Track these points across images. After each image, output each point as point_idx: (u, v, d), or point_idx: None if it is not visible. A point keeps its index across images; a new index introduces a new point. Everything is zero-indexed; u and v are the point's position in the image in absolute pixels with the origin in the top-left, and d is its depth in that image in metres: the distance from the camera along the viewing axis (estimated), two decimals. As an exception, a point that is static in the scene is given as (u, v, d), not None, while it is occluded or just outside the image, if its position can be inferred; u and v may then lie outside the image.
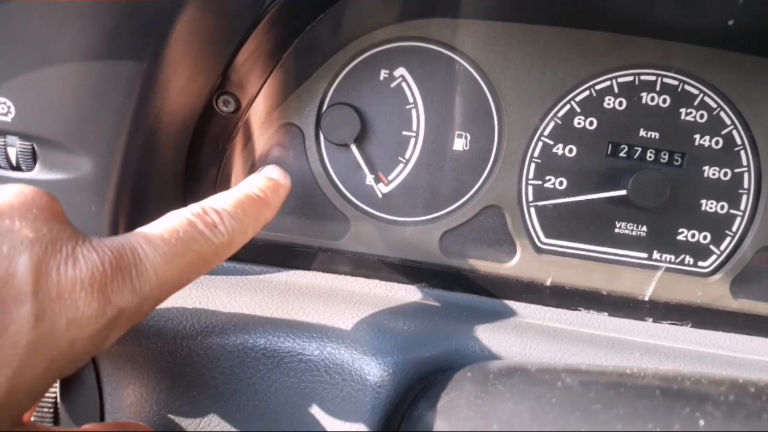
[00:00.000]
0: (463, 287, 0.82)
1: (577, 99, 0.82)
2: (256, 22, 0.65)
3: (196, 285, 0.74)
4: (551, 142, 0.83)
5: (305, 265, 0.82)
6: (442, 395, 0.58)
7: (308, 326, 0.69)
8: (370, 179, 0.83)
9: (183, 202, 0.77)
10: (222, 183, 0.79)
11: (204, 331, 0.66)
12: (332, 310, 0.73)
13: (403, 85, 0.82)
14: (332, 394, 0.64)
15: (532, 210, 0.84)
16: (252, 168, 0.82)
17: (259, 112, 0.78)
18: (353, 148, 0.81)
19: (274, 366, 0.66)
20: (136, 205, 0.68)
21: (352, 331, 0.69)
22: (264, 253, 0.82)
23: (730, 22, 0.70)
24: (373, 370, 0.64)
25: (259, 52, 0.71)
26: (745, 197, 0.84)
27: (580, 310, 0.82)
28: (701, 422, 0.38)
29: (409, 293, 0.81)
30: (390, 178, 0.83)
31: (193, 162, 0.75)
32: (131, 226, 0.65)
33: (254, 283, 0.78)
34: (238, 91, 0.73)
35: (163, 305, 0.67)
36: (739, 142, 0.83)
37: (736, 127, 0.82)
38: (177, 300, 0.70)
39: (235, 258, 0.73)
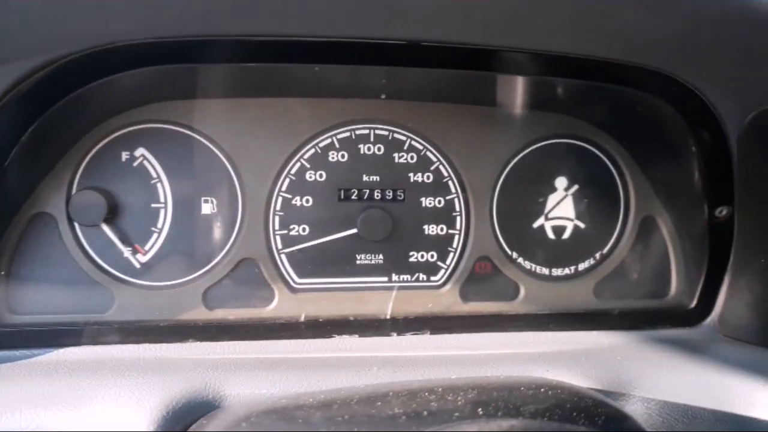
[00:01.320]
0: (229, 336, 0.92)
1: (305, 156, 0.95)
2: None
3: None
4: (289, 196, 0.95)
5: (75, 341, 0.88)
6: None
7: (71, 402, 0.75)
8: (126, 252, 0.91)
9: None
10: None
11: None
12: (97, 382, 0.79)
13: (145, 163, 0.91)
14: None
15: (283, 256, 0.96)
16: (10, 262, 0.87)
17: (5, 211, 0.84)
18: (104, 227, 0.89)
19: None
20: None
21: (121, 397, 0.76)
22: (34, 337, 0.87)
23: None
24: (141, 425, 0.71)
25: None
26: (458, 218, 1.00)
27: (333, 337, 0.94)
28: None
29: (176, 351, 0.89)
30: (146, 248, 0.92)
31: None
32: None
33: (26, 367, 0.83)
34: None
35: None
36: (445, 174, 0.99)
37: (441, 163, 0.99)
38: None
39: (5, 345, 0.79)
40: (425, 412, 0.54)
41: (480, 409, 0.52)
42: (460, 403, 0.56)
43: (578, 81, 0.89)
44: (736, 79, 0.77)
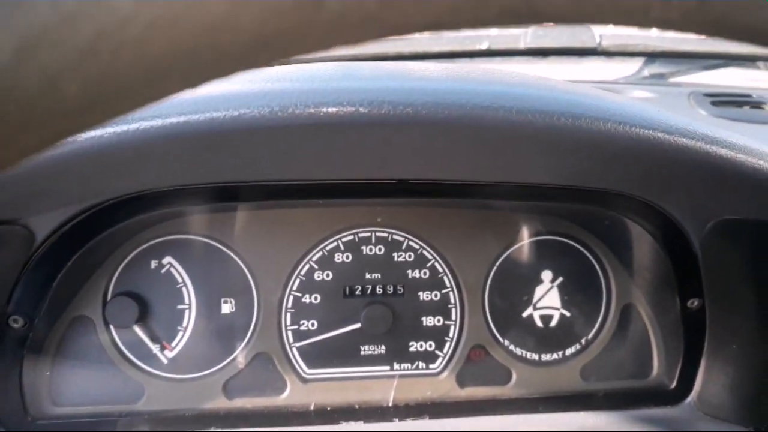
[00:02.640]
0: (246, 423, 1.02)
1: (314, 259, 1.07)
2: (27, 262, 0.84)
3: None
4: (299, 295, 1.06)
5: (111, 430, 0.99)
6: None
7: None
8: (155, 349, 1.02)
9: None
10: (27, 382, 0.95)
11: None
12: None
13: (172, 269, 1.03)
14: None
15: (295, 350, 1.07)
16: (53, 360, 0.99)
17: (50, 317, 0.96)
18: (136, 328, 1.00)
19: None
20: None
21: None
22: (74, 427, 0.99)
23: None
24: None
25: (37, 279, 0.89)
26: (454, 310, 1.11)
27: (340, 423, 1.04)
28: None
29: (199, 439, 1.00)
30: (173, 344, 1.03)
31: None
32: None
33: None
34: (24, 311, 0.91)
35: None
36: (440, 270, 1.10)
37: (436, 260, 1.10)
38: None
39: None
40: None
41: None
42: None
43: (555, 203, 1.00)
44: (693, 199, 0.87)
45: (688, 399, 1.12)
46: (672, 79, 2.08)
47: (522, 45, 1.77)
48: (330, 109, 0.60)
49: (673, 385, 1.12)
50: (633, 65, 2.15)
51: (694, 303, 1.06)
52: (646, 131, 0.67)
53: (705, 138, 0.71)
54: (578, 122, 0.65)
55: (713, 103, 1.68)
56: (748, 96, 1.77)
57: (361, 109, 0.60)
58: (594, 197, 0.97)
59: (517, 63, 1.90)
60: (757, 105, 1.73)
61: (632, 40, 1.78)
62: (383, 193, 0.96)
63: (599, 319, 1.14)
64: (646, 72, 2.11)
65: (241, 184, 0.88)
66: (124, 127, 0.61)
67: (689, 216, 0.94)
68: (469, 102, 0.62)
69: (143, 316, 1.01)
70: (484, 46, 1.71)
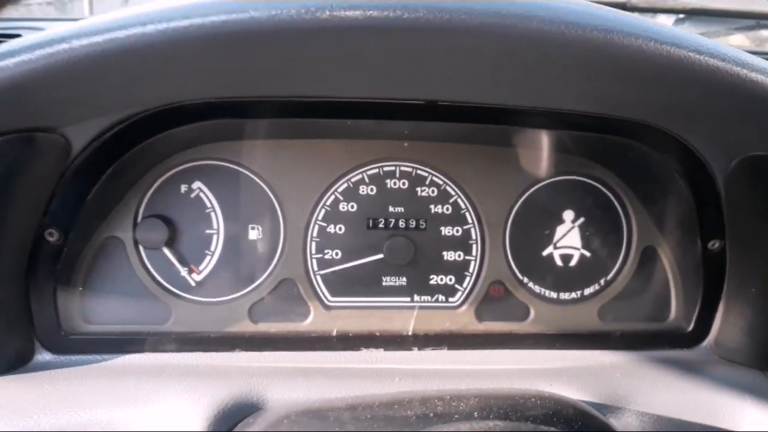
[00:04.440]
0: (271, 347, 1.05)
1: (339, 190, 1.09)
2: (63, 174, 0.87)
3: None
4: (324, 224, 1.09)
5: (138, 349, 1.02)
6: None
7: (135, 400, 0.90)
8: (183, 272, 1.05)
9: (29, 322, 0.97)
10: (61, 298, 0.99)
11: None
12: (158, 384, 0.94)
13: (201, 195, 1.05)
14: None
15: (319, 277, 1.09)
16: (85, 279, 1.03)
17: (83, 234, 0.99)
18: (165, 250, 1.03)
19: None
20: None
21: (178, 398, 0.90)
22: (104, 344, 1.03)
23: (406, 144, 0.99)
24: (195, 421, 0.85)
25: (73, 192, 0.92)
26: (474, 246, 1.12)
27: (361, 350, 1.07)
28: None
29: (225, 359, 1.03)
30: (201, 268, 1.06)
31: (32, 283, 0.95)
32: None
33: (98, 369, 0.99)
34: (60, 224, 0.94)
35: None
36: (463, 206, 1.12)
37: (459, 197, 1.11)
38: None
39: (79, 351, 0.94)
40: (432, 414, 0.66)
41: (476, 413, 0.65)
42: (461, 407, 0.68)
43: (580, 132, 1.00)
44: (720, 131, 0.88)
45: (705, 342, 1.13)
46: (703, 41, 2.04)
47: None
48: (362, 13, 0.61)
49: (690, 328, 1.13)
50: (666, 23, 2.12)
51: (715, 245, 1.06)
52: (678, 50, 0.67)
53: (737, 61, 0.71)
54: (609, 36, 0.65)
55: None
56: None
57: (394, 13, 0.61)
58: (620, 128, 0.97)
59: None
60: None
61: (663, -5, 1.75)
62: (409, 115, 0.97)
63: (619, 261, 1.15)
64: (677, 32, 2.08)
65: (271, 99, 0.89)
66: (163, 26, 0.62)
67: (715, 151, 0.94)
68: (501, 10, 0.63)
69: (172, 239, 1.04)
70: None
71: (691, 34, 0.74)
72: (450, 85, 0.79)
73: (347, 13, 0.60)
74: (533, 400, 0.72)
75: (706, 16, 1.99)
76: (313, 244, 1.07)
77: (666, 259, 1.14)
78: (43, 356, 0.99)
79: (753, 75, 0.71)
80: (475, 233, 1.11)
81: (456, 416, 0.65)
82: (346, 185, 1.07)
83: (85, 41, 0.62)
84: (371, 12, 0.60)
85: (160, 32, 0.61)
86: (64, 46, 0.62)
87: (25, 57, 0.62)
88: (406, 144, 1.05)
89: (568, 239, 1.12)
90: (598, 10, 0.68)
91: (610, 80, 0.73)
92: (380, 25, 0.61)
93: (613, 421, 0.97)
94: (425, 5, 0.60)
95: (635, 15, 0.74)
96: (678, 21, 2.10)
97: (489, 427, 0.56)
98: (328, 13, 0.60)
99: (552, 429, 0.60)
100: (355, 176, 1.08)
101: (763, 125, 0.81)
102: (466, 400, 0.70)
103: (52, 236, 0.93)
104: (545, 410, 0.70)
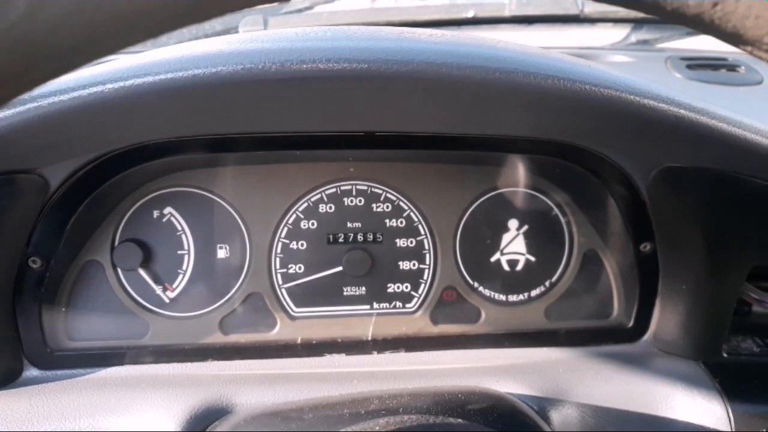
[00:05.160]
0: (240, 356, 1.15)
1: (300, 209, 1.18)
2: (43, 208, 0.97)
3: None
4: (287, 241, 1.18)
5: (118, 362, 1.12)
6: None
7: (116, 409, 1.00)
8: (158, 290, 1.15)
9: (17, 341, 1.06)
10: (46, 318, 1.09)
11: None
12: (137, 394, 1.03)
13: (172, 219, 1.15)
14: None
15: (284, 290, 1.19)
16: (68, 299, 1.12)
17: (64, 259, 1.09)
18: (141, 271, 1.13)
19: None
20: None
21: (154, 406, 0.99)
22: (87, 359, 1.12)
23: (351, 170, 1.09)
24: (169, 428, 0.95)
25: (52, 224, 1.02)
26: (427, 255, 1.22)
27: (324, 356, 1.17)
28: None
29: (198, 368, 1.13)
30: (174, 286, 1.16)
31: (19, 305, 1.05)
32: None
33: (82, 383, 1.08)
34: (42, 253, 1.03)
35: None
36: (416, 220, 1.21)
37: (412, 211, 1.21)
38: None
39: (64, 366, 1.04)
40: (363, 411, 0.76)
41: (401, 409, 0.75)
42: (391, 405, 0.78)
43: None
44: (633, 148, 0.98)
45: (645, 337, 1.23)
46: (658, 45, 2.15)
47: (507, 13, 1.85)
48: (296, 66, 0.71)
49: (631, 324, 1.22)
50: (620, 32, 2.22)
51: (646, 247, 1.16)
52: (573, 84, 0.77)
53: (631, 89, 0.81)
54: (510, 75, 0.75)
55: (689, 67, 1.77)
56: (724, 60, 1.85)
57: (320, 65, 0.71)
58: (552, 149, 1.07)
59: (502, 30, 1.98)
60: (732, 68, 1.81)
61: (613, 7, 1.84)
62: (354, 144, 1.07)
63: (562, 264, 1.25)
64: (632, 38, 2.18)
65: (226, 136, 0.99)
66: (121, 84, 0.72)
67: (634, 165, 1.04)
68: (415, 58, 0.73)
69: (147, 261, 1.14)
70: (469, 14, 1.80)
71: (597, 68, 0.85)
72: (381, 119, 0.89)
73: (278, 67, 0.70)
74: (460, 395, 0.82)
75: (660, 23, 2.09)
76: (278, 259, 1.17)
77: (606, 261, 1.23)
78: (31, 372, 1.08)
79: (645, 101, 0.81)
80: (427, 244, 1.20)
81: (383, 412, 0.74)
82: (306, 204, 1.17)
83: (53, 99, 0.72)
84: (298, 66, 0.70)
85: (115, 90, 0.71)
86: (34, 104, 0.71)
87: (2, 114, 0.72)
88: (351, 169, 1.14)
89: (513, 246, 1.22)
90: (503, 52, 0.78)
91: (519, 111, 0.83)
92: (309, 76, 0.71)
93: (553, 413, 1.07)
94: (346, 58, 0.70)
95: (549, 54, 0.84)
96: (634, 28, 2.20)
97: (403, 422, 0.66)
98: (261, 67, 0.70)
99: (459, 420, 0.69)
100: (315, 196, 1.17)
101: (666, 142, 0.91)
102: (399, 398, 0.80)
103: (35, 263, 1.03)
104: (467, 404, 0.80)
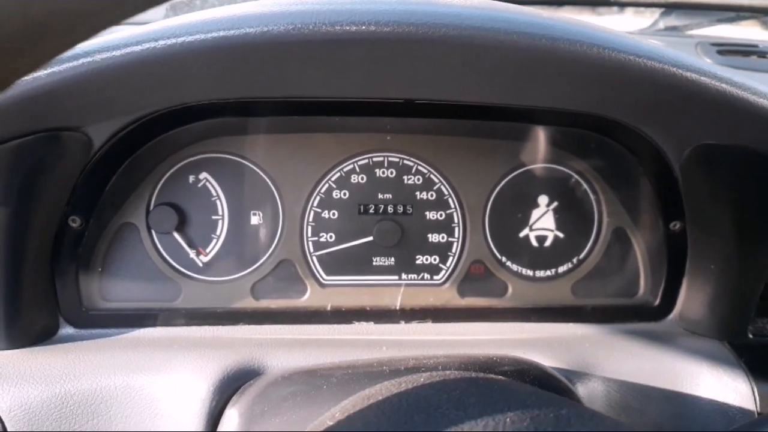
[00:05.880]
0: (271, 321, 1.17)
1: (332, 179, 1.20)
2: (85, 167, 0.99)
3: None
4: (319, 210, 1.20)
5: (151, 323, 1.14)
6: (249, 397, 0.92)
7: (149, 369, 1.02)
8: (192, 254, 1.17)
9: (54, 299, 1.09)
10: (82, 277, 1.11)
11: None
12: (169, 354, 1.06)
13: (207, 184, 1.17)
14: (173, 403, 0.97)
15: (315, 258, 1.21)
16: (104, 261, 1.14)
17: (101, 221, 1.11)
18: (175, 234, 1.15)
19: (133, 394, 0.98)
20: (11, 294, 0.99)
21: (187, 366, 1.02)
22: (121, 320, 1.14)
23: (388, 138, 1.10)
24: (203, 386, 0.97)
25: (93, 183, 1.04)
26: (456, 229, 1.24)
27: (353, 323, 1.18)
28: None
29: (230, 332, 1.15)
30: (207, 250, 1.18)
31: (56, 265, 1.07)
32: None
33: (115, 342, 1.11)
34: (82, 212, 1.05)
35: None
36: (446, 193, 1.22)
37: (442, 184, 1.22)
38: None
39: (99, 325, 1.06)
40: (403, 368, 0.78)
41: (440, 367, 0.76)
42: (428, 363, 0.80)
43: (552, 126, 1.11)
44: (670, 124, 0.98)
45: (670, 316, 1.24)
46: (687, 32, 2.14)
47: (537, -6, 1.84)
48: (346, 27, 0.72)
49: (657, 302, 1.23)
50: (648, 18, 2.21)
51: (676, 226, 1.16)
52: (618, 54, 0.78)
53: (673, 62, 0.82)
54: (556, 43, 0.76)
55: (719, 52, 1.76)
56: (755, 46, 1.84)
57: (371, 27, 0.72)
58: (585, 122, 1.08)
59: (531, 11, 1.97)
60: (763, 54, 1.80)
61: (644, -9, 1.84)
62: (391, 112, 1.08)
63: (590, 241, 1.26)
64: (661, 24, 2.17)
65: (267, 100, 1.00)
66: (173, 41, 0.74)
67: (669, 141, 1.04)
68: (463, 22, 0.74)
69: (182, 225, 1.16)
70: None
71: (637, 39, 0.85)
72: (423, 86, 0.89)
73: (328, 28, 0.71)
74: (494, 359, 0.83)
75: (689, 9, 2.07)
76: (309, 228, 1.18)
77: (634, 240, 1.24)
78: (67, 330, 1.11)
79: (688, 74, 0.81)
80: (457, 217, 1.22)
81: (423, 370, 0.76)
82: (338, 174, 1.18)
83: (106, 54, 0.73)
84: (348, 27, 0.71)
85: (168, 47, 0.72)
86: (89, 59, 0.73)
87: (55, 69, 0.73)
88: (388, 137, 1.15)
89: (542, 222, 1.23)
90: (548, 20, 0.78)
91: (561, 81, 0.83)
92: (357, 38, 0.72)
93: (579, 386, 1.08)
94: (397, 20, 0.71)
95: (594, 24, 0.84)
96: (663, 14, 2.19)
97: (445, 376, 0.67)
98: (311, 28, 0.71)
99: (499, 377, 0.71)
100: (347, 166, 1.19)
101: (705, 118, 0.92)
102: (436, 359, 0.82)
103: (75, 223, 1.05)
104: (501, 365, 0.81)
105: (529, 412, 0.49)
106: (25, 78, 0.69)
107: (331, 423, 0.59)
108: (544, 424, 0.47)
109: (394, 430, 0.49)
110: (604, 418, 0.57)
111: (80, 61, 0.73)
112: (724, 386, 1.07)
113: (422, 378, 0.65)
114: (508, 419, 0.48)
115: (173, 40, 0.72)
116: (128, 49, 0.72)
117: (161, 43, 0.71)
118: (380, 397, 0.60)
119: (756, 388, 1.06)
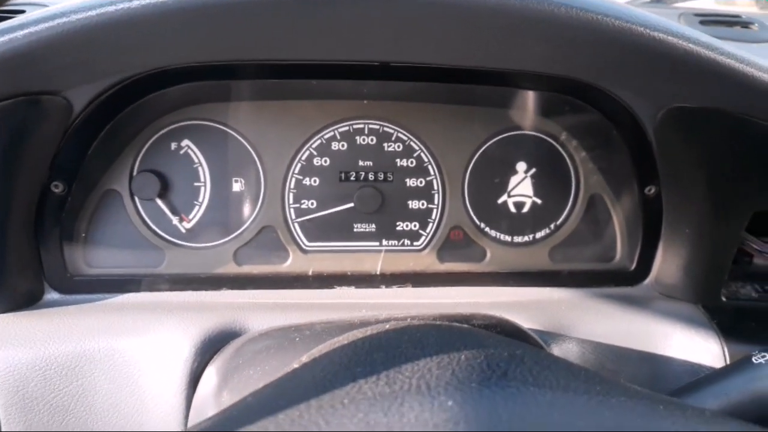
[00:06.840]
0: (253, 286, 1.19)
1: (313, 146, 1.21)
2: (66, 131, 1.00)
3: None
4: (300, 177, 1.22)
5: (135, 289, 1.16)
6: (227, 354, 0.95)
7: (133, 331, 1.04)
8: (175, 221, 1.19)
9: (38, 265, 1.10)
10: (66, 243, 1.12)
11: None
12: (153, 318, 1.08)
13: (189, 151, 1.18)
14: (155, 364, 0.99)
15: (296, 224, 1.23)
16: (87, 227, 1.16)
17: (85, 187, 1.12)
18: (158, 201, 1.17)
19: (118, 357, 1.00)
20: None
21: (170, 329, 1.04)
22: (105, 285, 1.16)
23: (365, 102, 1.12)
24: (185, 347, 0.99)
25: (75, 148, 1.05)
26: (436, 195, 1.25)
27: (334, 288, 1.21)
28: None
29: (212, 297, 1.17)
30: (190, 217, 1.20)
31: (41, 230, 1.09)
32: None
33: (100, 306, 1.12)
34: (64, 177, 1.07)
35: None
36: (426, 160, 1.24)
37: (422, 151, 1.24)
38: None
39: (83, 290, 1.08)
40: (374, 320, 0.80)
41: (408, 319, 0.79)
42: (400, 316, 0.82)
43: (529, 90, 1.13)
44: (642, 86, 0.99)
45: (646, 280, 1.26)
46: (671, 4, 2.15)
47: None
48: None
49: (633, 267, 1.26)
50: (635, -11, 2.21)
51: (651, 190, 1.18)
52: (586, 13, 0.79)
53: (641, 22, 0.83)
54: (524, 2, 0.77)
55: (702, 23, 1.77)
56: (738, 17, 1.85)
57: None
58: (563, 86, 1.09)
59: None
60: (746, 25, 1.81)
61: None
62: (368, 75, 1.10)
63: (568, 207, 1.28)
64: (647, -6, 2.17)
65: (243, 63, 1.01)
66: (143, 2, 0.75)
67: (642, 104, 1.06)
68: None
69: (164, 191, 1.17)
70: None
71: (611, 1, 0.86)
72: (399, 47, 0.91)
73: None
74: (465, 315, 0.86)
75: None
76: (291, 194, 1.20)
77: (610, 205, 1.26)
78: (52, 295, 1.12)
79: (655, 34, 0.83)
80: (436, 184, 1.23)
81: (392, 321, 0.78)
82: (319, 141, 1.20)
83: (81, 15, 0.74)
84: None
85: (142, 7, 0.73)
86: (64, 19, 0.74)
87: (31, 29, 0.74)
88: (365, 102, 1.17)
89: (521, 188, 1.25)
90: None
91: (532, 42, 0.85)
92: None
93: (554, 347, 1.11)
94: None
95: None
96: (649, -15, 2.19)
97: (409, 322, 0.69)
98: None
99: (464, 326, 0.73)
100: (328, 133, 1.20)
101: (674, 79, 0.93)
102: (411, 315, 0.84)
103: (58, 188, 1.06)
104: (471, 320, 0.84)
105: (484, 351, 0.51)
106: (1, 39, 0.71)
107: (297, 366, 0.62)
108: (497, 360, 0.50)
109: (354, 368, 0.51)
110: (558, 359, 0.59)
111: (55, 22, 0.74)
112: (696, 346, 1.10)
113: (388, 325, 0.67)
114: (462, 356, 0.50)
115: (148, 1, 0.73)
116: (103, 9, 0.73)
117: (135, 3, 0.72)
118: (346, 342, 0.63)
119: (726, 348, 1.09)
